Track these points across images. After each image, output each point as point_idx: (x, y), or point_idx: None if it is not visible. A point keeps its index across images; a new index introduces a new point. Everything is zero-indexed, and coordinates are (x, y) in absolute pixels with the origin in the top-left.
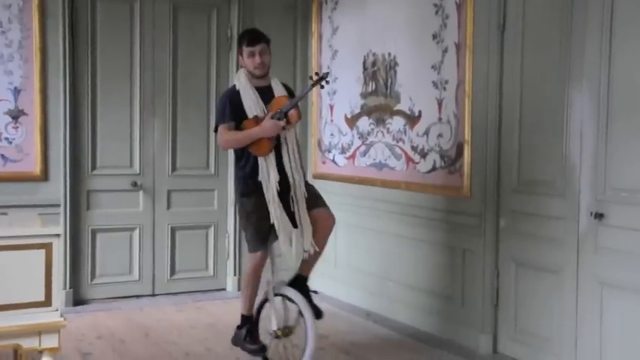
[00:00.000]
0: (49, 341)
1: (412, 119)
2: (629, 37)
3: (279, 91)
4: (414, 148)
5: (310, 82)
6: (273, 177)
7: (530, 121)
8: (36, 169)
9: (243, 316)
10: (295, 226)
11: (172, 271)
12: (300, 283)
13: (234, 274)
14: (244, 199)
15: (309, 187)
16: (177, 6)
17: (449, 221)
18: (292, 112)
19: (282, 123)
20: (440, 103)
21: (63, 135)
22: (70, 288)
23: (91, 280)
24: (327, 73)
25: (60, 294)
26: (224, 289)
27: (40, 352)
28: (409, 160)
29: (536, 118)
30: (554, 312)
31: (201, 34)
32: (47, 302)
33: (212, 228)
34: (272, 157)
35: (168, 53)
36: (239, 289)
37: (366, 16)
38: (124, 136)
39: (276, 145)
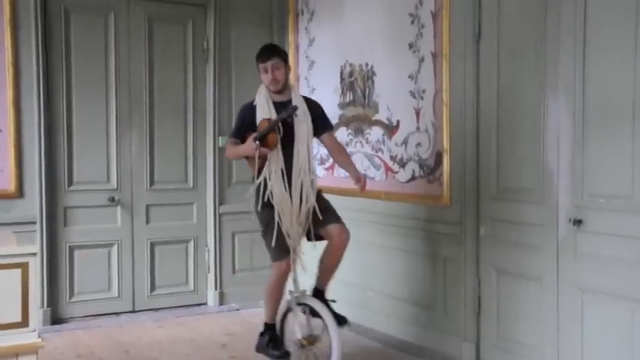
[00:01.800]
0: None
1: (390, 129)
2: (601, 45)
3: (297, 102)
4: (393, 158)
5: (280, 115)
6: (276, 190)
7: (507, 129)
8: (11, 186)
9: (265, 324)
10: (309, 239)
11: (152, 287)
12: (318, 295)
13: (215, 289)
14: (261, 210)
15: (323, 201)
16: (152, 18)
17: (429, 230)
18: (270, 137)
19: (254, 145)
20: (418, 113)
21: (38, 150)
22: (48, 307)
23: (70, 298)
24: (296, 107)
25: (37, 313)
26: (205, 304)
27: None
28: (388, 169)
29: (513, 125)
30: (536, 319)
31: (177, 46)
32: (24, 323)
33: (192, 242)
34: (277, 170)
35: (144, 65)
36: (220, 304)
37: (342, 26)
38: (100, 150)
39: (286, 158)
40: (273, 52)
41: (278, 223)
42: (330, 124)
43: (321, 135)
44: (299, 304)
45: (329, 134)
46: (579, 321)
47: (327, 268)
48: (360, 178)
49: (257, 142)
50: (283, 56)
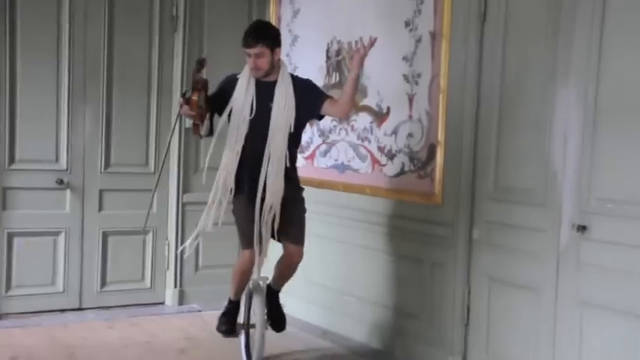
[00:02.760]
0: None
1: (380, 116)
2: (622, 33)
3: (281, 90)
4: (380, 149)
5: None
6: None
7: (510, 122)
8: None
9: (229, 299)
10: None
11: (103, 282)
12: (270, 293)
13: (175, 286)
14: (233, 197)
15: (298, 211)
16: None
17: (417, 231)
18: (194, 97)
19: (180, 101)
20: (411, 99)
21: None
22: None
23: (6, 292)
24: (204, 59)
25: None
26: (162, 303)
27: None
28: (375, 161)
29: (516, 118)
30: (530, 333)
31: (141, 12)
32: None
33: (150, 234)
34: (233, 150)
35: (102, 31)
36: (180, 304)
37: None
38: (49, 126)
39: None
40: (258, 38)
41: (239, 212)
42: (326, 94)
43: (322, 109)
44: (250, 292)
45: (330, 102)
46: (578, 337)
47: (280, 275)
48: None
49: (180, 99)
50: (269, 42)
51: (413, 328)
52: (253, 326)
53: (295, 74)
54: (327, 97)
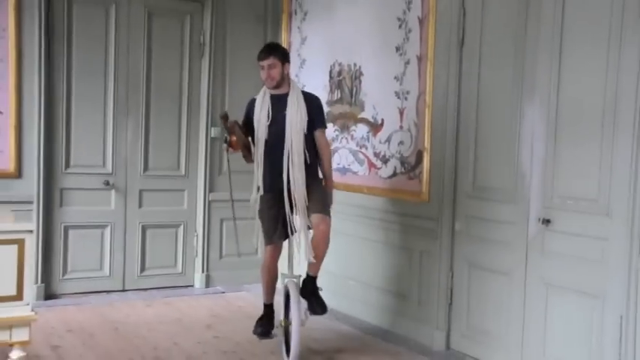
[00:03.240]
0: (20, 335)
1: (375, 127)
2: (576, 56)
3: (293, 99)
4: (376, 155)
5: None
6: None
7: (485, 132)
8: (10, 166)
9: (264, 304)
10: (292, 231)
11: (142, 268)
12: (307, 282)
13: (202, 271)
14: (259, 197)
15: (315, 192)
16: (151, 12)
17: (407, 224)
18: (232, 140)
19: (224, 146)
20: (401, 112)
21: (37, 133)
22: (42, 283)
23: (63, 275)
24: (225, 113)
25: (31, 288)
26: (192, 286)
27: (11, 345)
28: (371, 165)
29: (491, 128)
30: (504, 310)
31: (174, 40)
32: (19, 296)
33: (181, 227)
34: (263, 159)
35: (142, 56)
36: (206, 286)
37: (333, 27)
38: (97, 135)
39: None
40: (271, 51)
41: (265, 209)
42: (323, 122)
43: (311, 130)
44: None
45: (319, 131)
46: (543, 314)
47: (315, 254)
48: (327, 184)
49: (224, 144)
50: (280, 55)
51: (404, 307)
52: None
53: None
54: (322, 126)
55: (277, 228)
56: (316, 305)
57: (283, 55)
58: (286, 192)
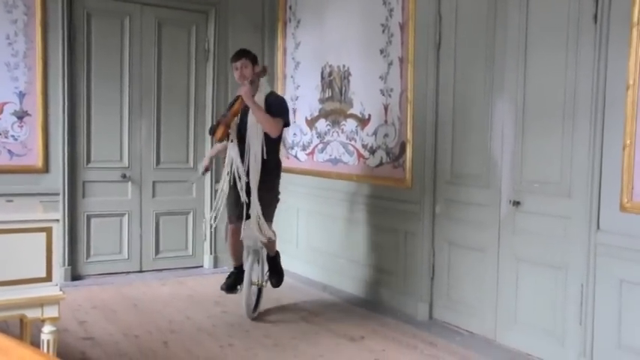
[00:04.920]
0: (50, 311)
1: (363, 121)
2: (539, 56)
3: (258, 99)
4: (364, 146)
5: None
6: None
7: (461, 124)
8: (38, 162)
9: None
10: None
11: (157, 251)
12: (268, 259)
13: (211, 253)
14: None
15: (261, 197)
16: (161, 22)
17: (393, 208)
18: (217, 130)
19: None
20: (386, 108)
21: (62, 133)
22: (69, 265)
23: (87, 259)
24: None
25: (59, 270)
26: (201, 266)
27: (43, 321)
28: (360, 156)
29: (466, 121)
30: (480, 283)
31: (182, 47)
32: (48, 278)
33: (191, 214)
34: (228, 161)
35: (153, 62)
36: (215, 266)
37: (323, 33)
38: (114, 134)
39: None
40: (242, 54)
41: (229, 196)
42: (280, 114)
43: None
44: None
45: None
46: (514, 285)
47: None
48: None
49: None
50: (251, 57)
51: (391, 282)
52: (254, 283)
53: (278, 94)
54: (279, 116)
55: (235, 213)
56: (271, 277)
57: (253, 58)
58: (245, 184)
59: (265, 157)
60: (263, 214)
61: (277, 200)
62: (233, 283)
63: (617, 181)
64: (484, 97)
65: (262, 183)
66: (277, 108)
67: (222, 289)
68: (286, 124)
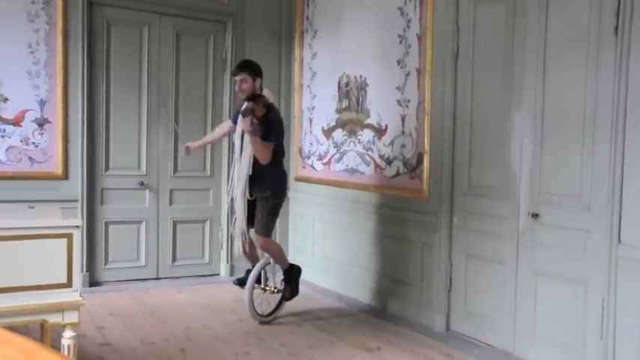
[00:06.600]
0: (71, 317)
1: (380, 132)
2: (558, 67)
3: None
4: (381, 157)
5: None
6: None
7: (479, 135)
8: (58, 169)
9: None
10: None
11: (174, 259)
12: (284, 271)
13: (227, 262)
14: None
15: (259, 211)
16: (179, 32)
17: (410, 219)
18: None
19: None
20: (403, 119)
21: (81, 140)
22: (87, 271)
23: (104, 265)
24: (248, 106)
25: (78, 277)
26: (218, 274)
27: (63, 326)
28: (377, 166)
29: (484, 132)
30: (497, 296)
31: (200, 56)
32: (69, 284)
33: (208, 222)
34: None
35: (171, 71)
36: (230, 275)
37: (340, 43)
38: (132, 141)
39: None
40: (242, 68)
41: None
42: (270, 136)
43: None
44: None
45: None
46: (533, 298)
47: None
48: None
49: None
50: (251, 71)
51: (408, 293)
52: (267, 289)
53: (276, 107)
54: (269, 140)
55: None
56: (285, 289)
57: (254, 72)
58: (249, 195)
59: (264, 167)
60: (260, 224)
61: (276, 211)
62: (244, 280)
63: (639, 194)
64: (502, 108)
65: (261, 192)
66: (269, 125)
67: (234, 282)
68: (277, 144)
